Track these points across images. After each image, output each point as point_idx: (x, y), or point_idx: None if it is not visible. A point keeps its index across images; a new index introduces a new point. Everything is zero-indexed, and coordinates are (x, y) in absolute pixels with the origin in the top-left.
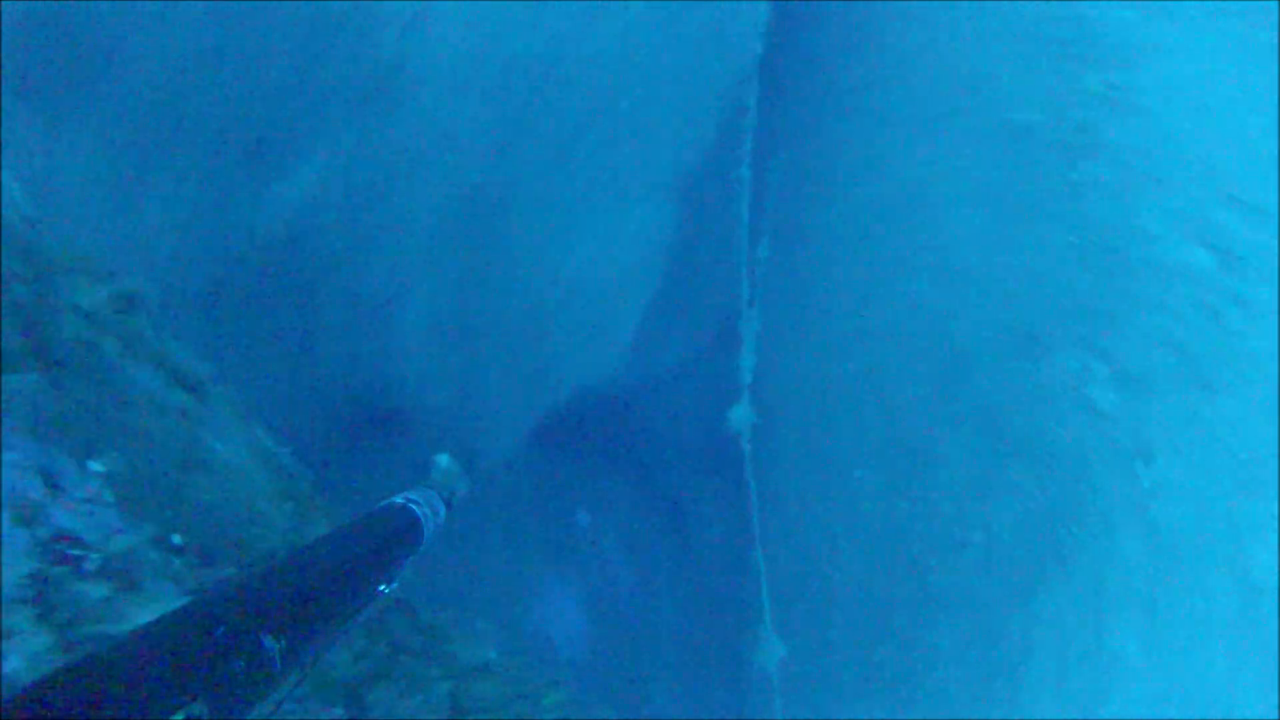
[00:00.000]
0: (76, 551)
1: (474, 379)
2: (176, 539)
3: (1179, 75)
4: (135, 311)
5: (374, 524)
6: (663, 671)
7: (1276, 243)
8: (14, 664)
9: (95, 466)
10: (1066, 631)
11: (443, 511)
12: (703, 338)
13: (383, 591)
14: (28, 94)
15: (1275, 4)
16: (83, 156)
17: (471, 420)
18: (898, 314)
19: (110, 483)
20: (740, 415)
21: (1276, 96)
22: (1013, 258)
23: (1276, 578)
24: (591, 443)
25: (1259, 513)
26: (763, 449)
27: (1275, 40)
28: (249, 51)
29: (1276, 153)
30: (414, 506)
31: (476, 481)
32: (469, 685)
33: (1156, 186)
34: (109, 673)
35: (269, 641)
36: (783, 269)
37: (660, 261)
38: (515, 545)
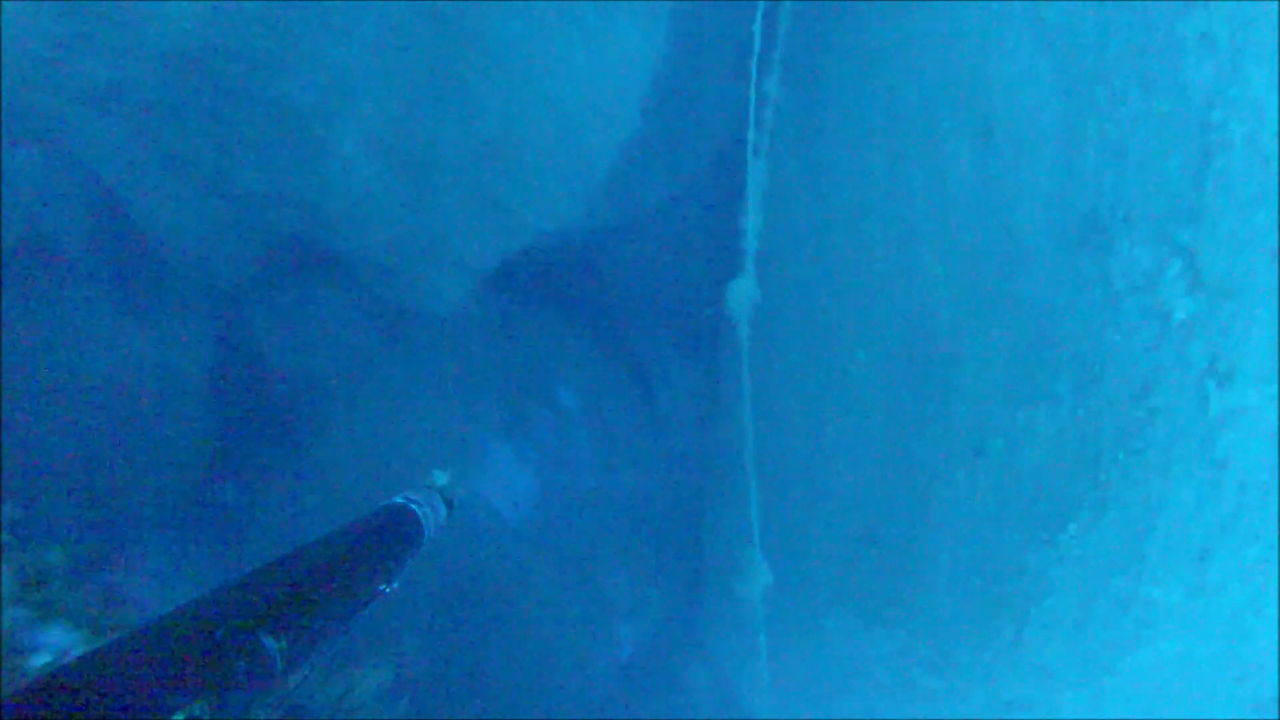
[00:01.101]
0: None
1: (422, 216)
2: None
3: None
4: None
5: (374, 524)
6: (616, 557)
7: None
8: None
9: None
10: (1096, 572)
11: (443, 511)
12: (696, 189)
13: (383, 591)
14: None
15: None
16: None
17: (418, 264)
18: (928, 181)
19: None
20: (742, 290)
21: None
22: (1083, 124)
23: None
24: (554, 296)
25: None
26: (762, 331)
27: None
28: None
29: None
30: (414, 506)
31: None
32: None
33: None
34: (109, 673)
35: (269, 641)
36: (794, 114)
37: (650, 91)
38: (464, 399)
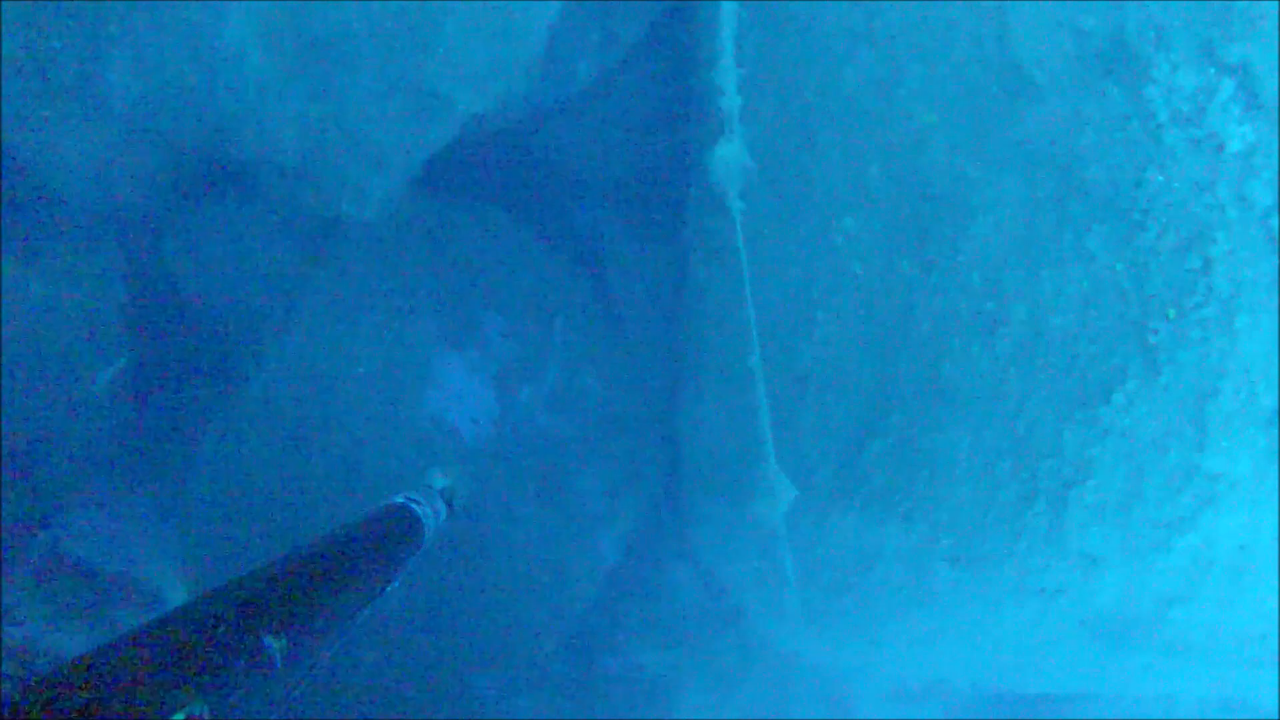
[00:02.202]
0: None
1: (332, 106)
2: None
3: None
4: None
5: (374, 523)
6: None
7: None
8: None
9: None
10: (1148, 446)
11: (444, 512)
12: (647, 47)
13: (383, 590)
14: None
15: None
16: None
17: (335, 164)
18: (912, 17)
19: None
20: (728, 156)
21: None
22: None
23: None
24: (494, 189)
25: None
26: (755, 206)
27: None
28: None
29: None
30: (415, 506)
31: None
32: None
33: None
34: (108, 672)
35: (269, 641)
36: None
37: None
38: (402, 318)
